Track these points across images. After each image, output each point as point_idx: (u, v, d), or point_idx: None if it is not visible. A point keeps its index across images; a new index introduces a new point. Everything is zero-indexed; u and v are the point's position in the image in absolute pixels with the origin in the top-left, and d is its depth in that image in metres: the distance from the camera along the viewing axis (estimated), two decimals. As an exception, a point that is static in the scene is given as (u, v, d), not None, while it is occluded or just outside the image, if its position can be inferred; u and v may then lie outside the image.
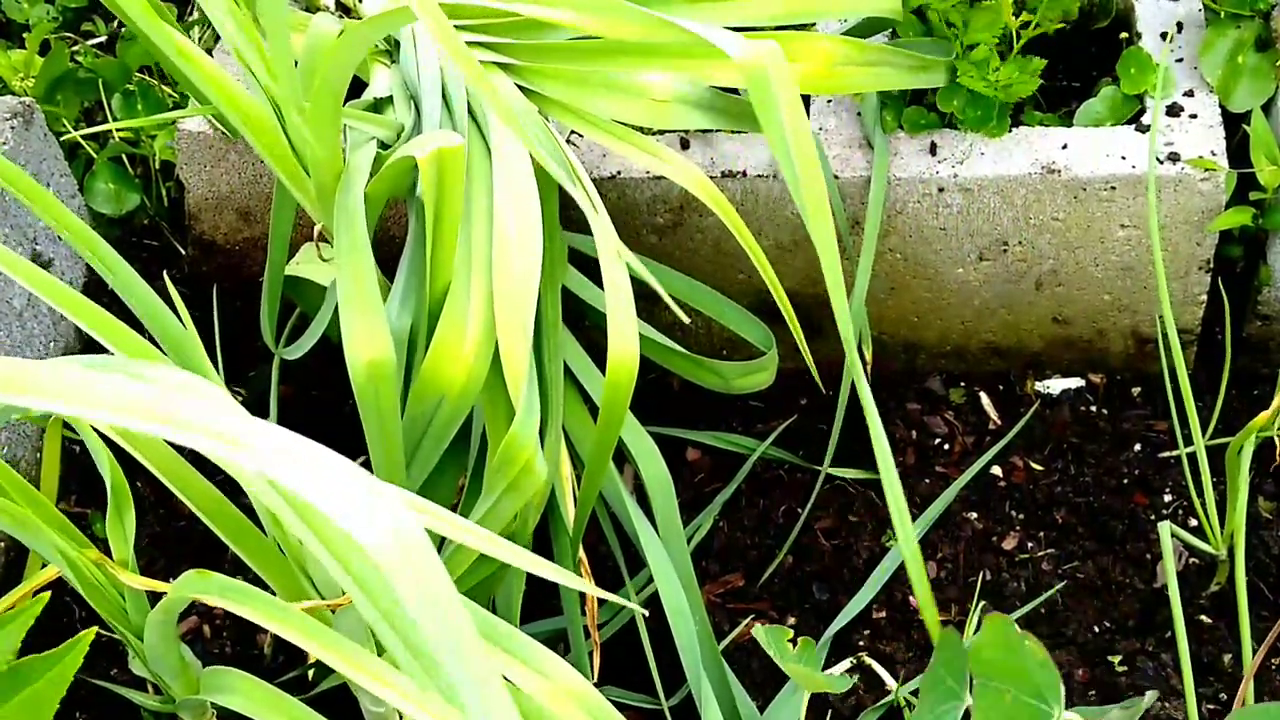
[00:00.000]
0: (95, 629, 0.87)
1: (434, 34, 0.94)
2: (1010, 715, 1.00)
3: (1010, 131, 1.43)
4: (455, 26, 1.23)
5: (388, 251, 1.27)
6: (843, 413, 1.43)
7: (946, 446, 1.53)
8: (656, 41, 1.15)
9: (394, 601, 0.74)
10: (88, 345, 1.01)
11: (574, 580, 0.97)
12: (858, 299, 1.40)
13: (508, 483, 1.10)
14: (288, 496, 0.79)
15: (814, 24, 1.51)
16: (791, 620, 1.41)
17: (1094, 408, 1.55)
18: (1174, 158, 1.40)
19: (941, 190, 1.42)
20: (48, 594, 0.84)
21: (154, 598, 1.04)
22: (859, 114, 1.45)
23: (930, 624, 1.13)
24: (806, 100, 1.48)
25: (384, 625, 0.72)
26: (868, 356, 1.45)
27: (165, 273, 1.30)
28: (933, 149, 1.43)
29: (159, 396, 0.60)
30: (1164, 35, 1.50)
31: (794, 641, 1.18)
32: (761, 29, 1.33)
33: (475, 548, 0.88)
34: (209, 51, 1.47)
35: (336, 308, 1.13)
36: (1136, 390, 1.56)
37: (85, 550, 1.00)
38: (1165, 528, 1.27)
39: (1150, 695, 1.22)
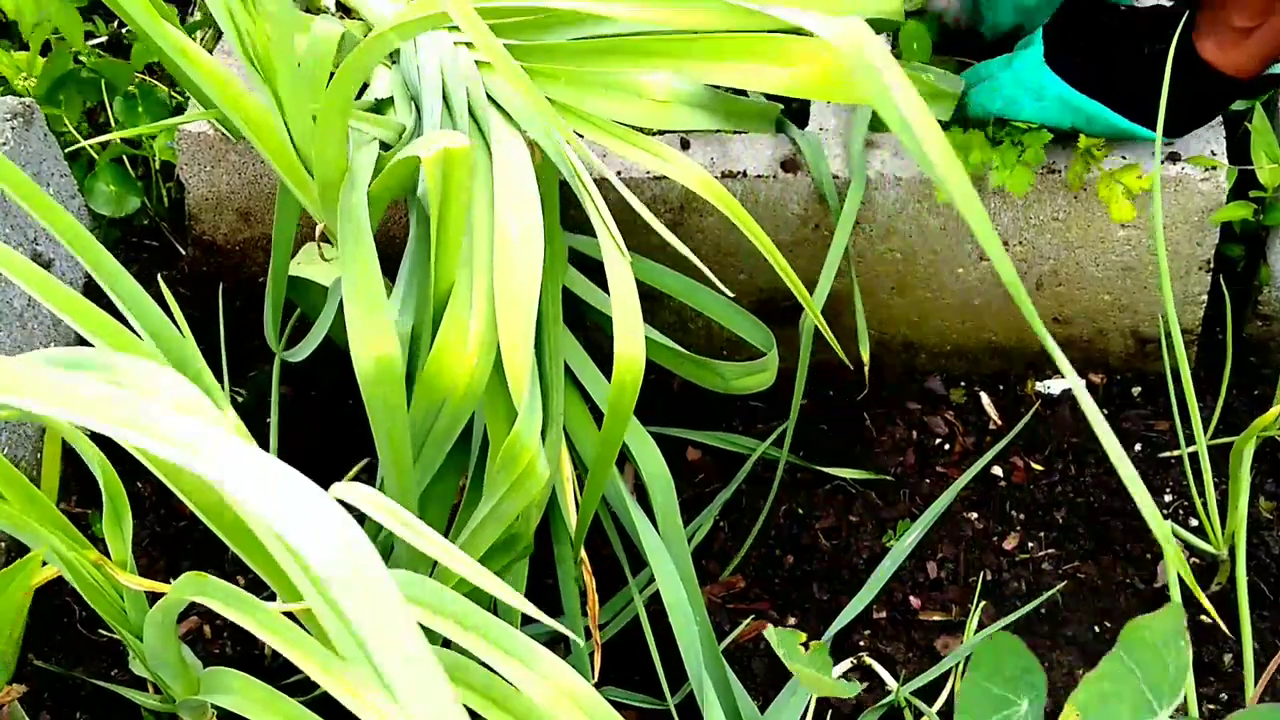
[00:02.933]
0: (41, 553, 0.87)
1: (475, 39, 0.94)
2: (1122, 698, 0.96)
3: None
4: (454, 27, 1.24)
5: (387, 252, 1.27)
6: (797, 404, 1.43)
7: (947, 446, 1.53)
8: (681, 37, 1.14)
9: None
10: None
11: (565, 623, 0.97)
12: (818, 297, 1.40)
13: (510, 484, 1.10)
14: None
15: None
16: (792, 620, 1.42)
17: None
18: (1174, 157, 1.40)
19: (942, 190, 1.42)
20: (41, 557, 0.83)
21: (154, 597, 1.05)
22: (855, 111, 1.45)
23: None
24: (806, 101, 1.48)
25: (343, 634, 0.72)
26: (865, 358, 1.45)
27: (161, 275, 1.30)
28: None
29: (123, 399, 0.60)
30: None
31: (806, 645, 1.18)
32: (759, 31, 1.33)
33: (468, 579, 0.88)
34: (209, 52, 1.47)
35: (339, 308, 1.13)
36: (1137, 390, 1.56)
37: (84, 551, 1.00)
38: (1166, 527, 1.26)
39: None
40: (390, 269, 1.22)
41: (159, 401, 0.60)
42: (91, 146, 1.59)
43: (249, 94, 1.16)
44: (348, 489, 0.95)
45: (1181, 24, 1.27)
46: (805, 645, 1.16)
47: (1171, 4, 1.34)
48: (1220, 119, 1.44)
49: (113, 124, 1.59)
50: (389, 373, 1.08)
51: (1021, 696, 1.03)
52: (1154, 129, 1.31)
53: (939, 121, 1.39)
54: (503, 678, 0.94)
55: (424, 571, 1.13)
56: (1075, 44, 1.32)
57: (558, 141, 1.23)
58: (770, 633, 1.15)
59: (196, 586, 0.93)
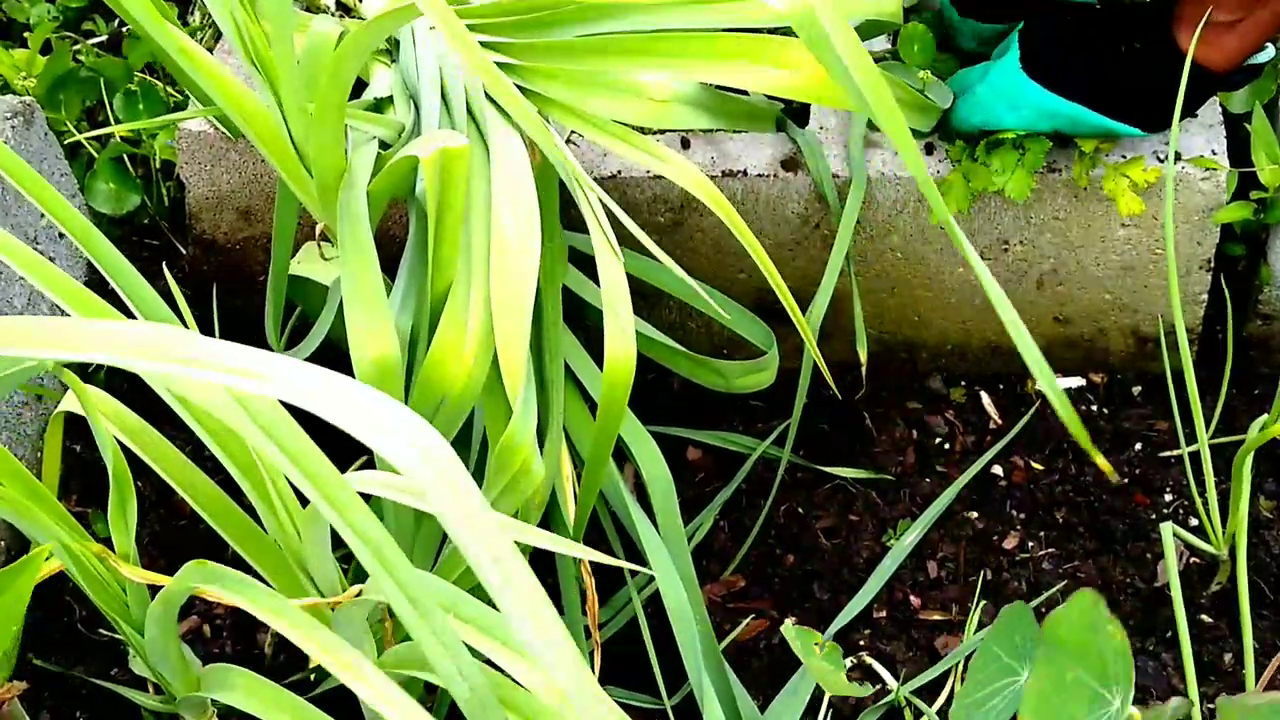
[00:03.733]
0: (49, 547, 0.87)
1: (445, 31, 0.94)
2: (1066, 694, 0.97)
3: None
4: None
5: (388, 252, 1.27)
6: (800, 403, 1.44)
7: (947, 446, 1.53)
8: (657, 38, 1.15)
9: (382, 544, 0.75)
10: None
11: (580, 549, 0.97)
12: (820, 300, 1.40)
13: (506, 482, 1.10)
14: (284, 446, 0.79)
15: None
16: (792, 620, 1.41)
17: (1094, 407, 1.55)
18: (1175, 157, 1.40)
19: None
20: (49, 550, 0.84)
21: (156, 593, 1.04)
22: (853, 113, 1.45)
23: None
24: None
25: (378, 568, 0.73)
26: (863, 357, 1.45)
27: (168, 271, 1.30)
28: (929, 149, 1.43)
29: (171, 338, 0.60)
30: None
31: (820, 645, 1.18)
32: (761, 30, 1.33)
33: (509, 530, 0.88)
34: (210, 51, 1.48)
35: (339, 307, 1.13)
36: (1137, 389, 1.56)
37: (86, 543, 1.00)
38: (1167, 528, 1.27)
39: (1177, 704, 1.22)
40: (393, 268, 1.22)
41: (204, 342, 0.61)
42: (91, 145, 1.59)
43: (249, 93, 1.16)
44: (360, 476, 0.95)
45: (1160, 19, 1.26)
46: (820, 645, 1.16)
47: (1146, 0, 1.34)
48: (1221, 120, 1.44)
49: (113, 122, 1.60)
50: (388, 373, 1.08)
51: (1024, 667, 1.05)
52: (1136, 125, 1.30)
53: (918, 131, 1.40)
54: (505, 673, 0.94)
55: (424, 567, 1.13)
56: (1051, 46, 1.32)
57: (555, 140, 1.23)
58: (788, 629, 1.15)
59: (199, 576, 0.93)
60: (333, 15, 1.42)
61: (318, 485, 0.77)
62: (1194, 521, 1.44)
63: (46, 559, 0.97)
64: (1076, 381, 1.57)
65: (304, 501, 0.91)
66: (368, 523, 0.76)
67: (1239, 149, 1.45)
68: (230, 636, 1.40)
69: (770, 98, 1.43)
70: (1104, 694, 0.97)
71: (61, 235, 1.09)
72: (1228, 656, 1.35)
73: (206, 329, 1.50)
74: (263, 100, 1.16)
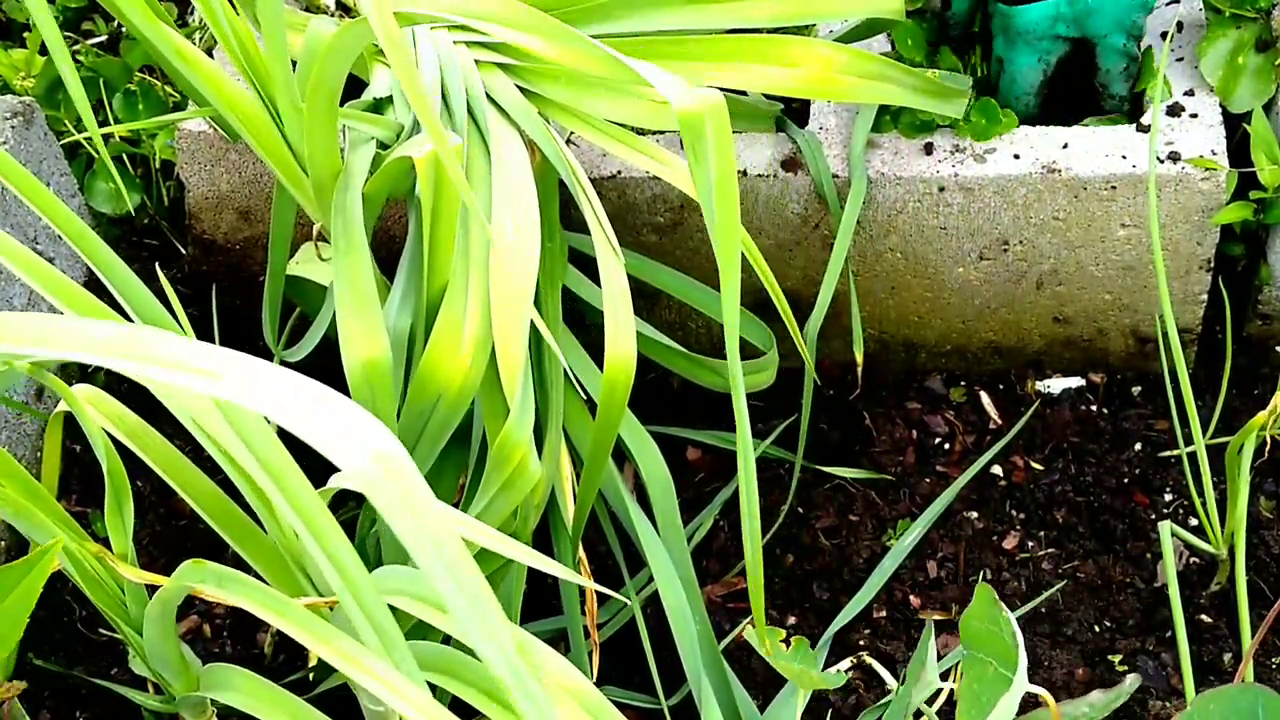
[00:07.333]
0: (60, 541, 0.87)
1: (384, 42, 0.94)
2: (990, 687, 1.01)
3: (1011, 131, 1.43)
4: (455, 26, 1.24)
5: (389, 251, 1.27)
6: (808, 407, 1.44)
7: (947, 446, 1.53)
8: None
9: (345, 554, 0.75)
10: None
11: (570, 574, 0.97)
12: (822, 301, 1.40)
13: (503, 481, 1.10)
14: (252, 446, 0.79)
15: (814, 25, 1.51)
16: (792, 619, 1.41)
17: (1094, 407, 1.55)
18: (1174, 157, 1.40)
19: (942, 190, 1.42)
20: (55, 550, 0.84)
21: (155, 593, 1.04)
22: (858, 113, 1.45)
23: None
24: (806, 101, 1.48)
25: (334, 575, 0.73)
26: (859, 359, 1.45)
27: (162, 271, 1.30)
28: (928, 149, 1.43)
29: (133, 336, 0.60)
30: (1164, 35, 1.50)
31: (787, 641, 1.18)
32: (761, 30, 1.33)
33: (475, 542, 0.88)
34: (208, 53, 1.47)
35: (336, 307, 1.14)
36: (1137, 389, 1.56)
37: (85, 543, 1.00)
38: (1166, 527, 1.27)
39: (1132, 680, 1.22)
40: (394, 267, 1.22)
41: (167, 339, 0.61)
42: (90, 144, 1.59)
43: (244, 94, 1.16)
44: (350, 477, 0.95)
45: None
46: (786, 641, 1.16)
47: None
48: (1221, 120, 1.44)
49: (112, 122, 1.60)
50: (379, 375, 1.08)
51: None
52: None
53: (951, 119, 1.41)
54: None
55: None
56: None
57: (555, 140, 1.23)
58: (749, 632, 1.15)
59: (196, 575, 0.93)
60: (332, 16, 1.42)
61: (287, 495, 0.77)
62: (1194, 521, 1.44)
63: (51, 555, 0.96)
64: (1077, 381, 1.57)
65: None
66: (335, 538, 0.76)
67: (1239, 149, 1.45)
68: (230, 636, 1.40)
69: (769, 97, 1.43)
70: (1008, 676, 1.01)
71: (61, 235, 1.09)
72: (1227, 656, 1.35)
73: (206, 329, 1.50)
74: (257, 100, 1.16)
